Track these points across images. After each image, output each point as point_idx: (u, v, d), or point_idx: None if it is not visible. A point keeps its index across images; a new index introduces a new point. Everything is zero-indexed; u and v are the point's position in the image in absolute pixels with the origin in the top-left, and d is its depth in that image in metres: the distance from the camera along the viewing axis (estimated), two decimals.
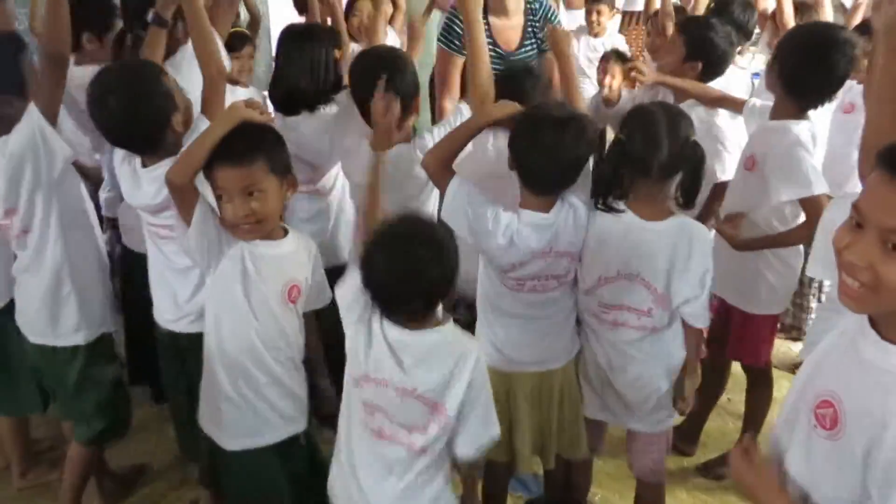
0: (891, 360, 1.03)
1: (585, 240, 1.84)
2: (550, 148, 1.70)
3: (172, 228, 1.84)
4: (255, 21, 3.79)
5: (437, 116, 3.40)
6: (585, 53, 4.37)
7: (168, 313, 2.02)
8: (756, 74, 3.34)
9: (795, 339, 3.24)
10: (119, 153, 1.95)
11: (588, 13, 4.38)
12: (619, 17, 5.78)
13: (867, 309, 1.08)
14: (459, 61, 2.76)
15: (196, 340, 1.84)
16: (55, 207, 1.99)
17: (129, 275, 2.58)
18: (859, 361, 1.07)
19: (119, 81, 1.80)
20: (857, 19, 3.39)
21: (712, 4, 2.96)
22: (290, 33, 2.55)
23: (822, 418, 1.10)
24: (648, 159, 1.73)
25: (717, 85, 2.62)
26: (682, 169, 1.77)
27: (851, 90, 2.72)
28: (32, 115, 1.92)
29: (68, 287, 2.04)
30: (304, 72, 2.42)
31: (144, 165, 1.86)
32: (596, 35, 4.39)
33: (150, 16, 2.15)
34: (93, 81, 1.80)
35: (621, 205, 1.81)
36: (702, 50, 2.54)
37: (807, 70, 2.10)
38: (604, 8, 4.36)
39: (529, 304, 1.88)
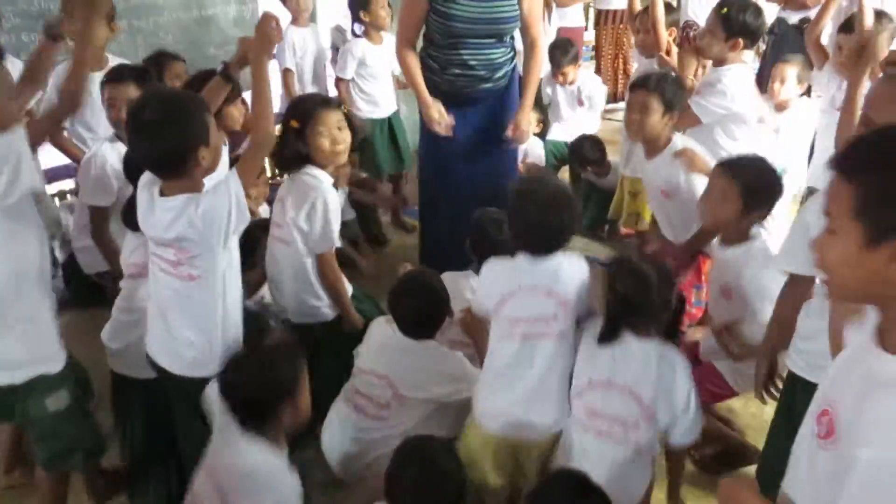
0: (887, 367, 1.02)
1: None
2: (543, 210, 1.95)
3: (174, 265, 1.88)
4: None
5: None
6: (563, 98, 4.61)
7: (160, 353, 2.00)
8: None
9: None
10: (142, 180, 1.95)
11: (554, 75, 4.52)
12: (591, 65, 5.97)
13: (840, 298, 1.17)
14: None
15: (185, 383, 1.93)
16: None
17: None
18: (862, 372, 1.07)
19: (161, 98, 1.87)
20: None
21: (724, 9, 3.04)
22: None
23: (822, 426, 1.10)
24: (640, 310, 1.89)
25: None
26: (666, 314, 1.95)
27: (841, 88, 2.85)
28: (17, 135, 1.84)
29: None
30: None
31: (163, 194, 1.88)
32: (571, 83, 4.56)
33: (220, 66, 2.19)
34: (139, 96, 1.86)
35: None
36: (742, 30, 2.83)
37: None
38: (568, 69, 4.49)
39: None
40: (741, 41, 2.87)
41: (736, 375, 2.30)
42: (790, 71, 3.55)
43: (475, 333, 2.42)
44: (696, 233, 2.64)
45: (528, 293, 2.01)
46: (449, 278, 2.62)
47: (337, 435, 2.28)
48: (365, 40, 3.98)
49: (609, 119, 6.32)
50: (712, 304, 2.46)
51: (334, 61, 5.15)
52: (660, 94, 2.64)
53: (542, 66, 3.10)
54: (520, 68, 3.25)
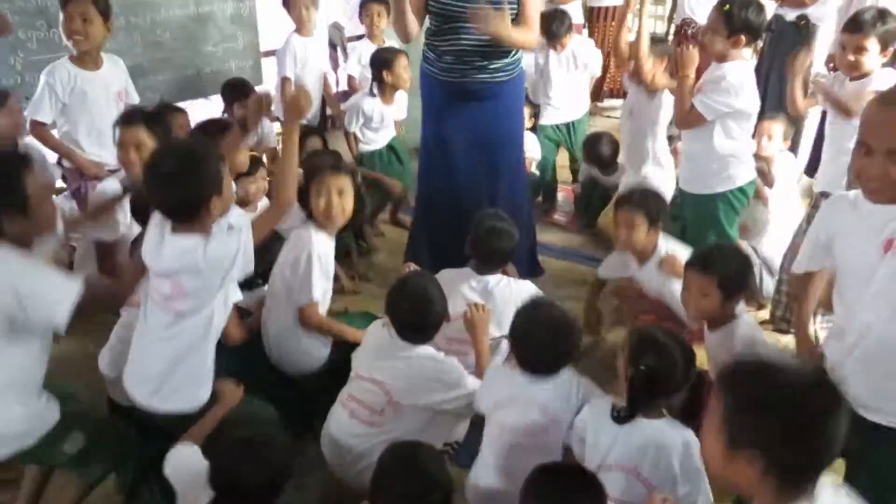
0: None
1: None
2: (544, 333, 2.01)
3: (166, 299, 1.93)
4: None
5: None
6: (556, 64, 4.51)
7: (139, 386, 2.03)
8: None
9: (784, 332, 3.22)
10: (155, 217, 2.00)
11: (553, 47, 4.45)
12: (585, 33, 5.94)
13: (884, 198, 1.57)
14: None
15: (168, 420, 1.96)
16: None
17: None
18: None
19: (178, 150, 1.97)
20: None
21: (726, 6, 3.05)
22: None
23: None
24: (664, 390, 1.91)
25: None
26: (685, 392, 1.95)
27: (844, 87, 2.86)
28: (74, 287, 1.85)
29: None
30: None
31: (173, 231, 1.94)
32: (563, 47, 4.50)
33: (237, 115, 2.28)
34: (158, 147, 1.97)
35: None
36: (744, 26, 2.85)
37: None
38: (566, 39, 4.43)
39: None
40: (743, 37, 2.88)
41: None
42: (776, 128, 3.71)
43: (476, 332, 2.44)
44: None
45: (522, 407, 2.02)
46: (447, 276, 2.63)
47: (333, 439, 2.29)
48: (378, 100, 4.03)
49: (608, 116, 6.35)
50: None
51: (332, 59, 5.18)
52: (644, 211, 2.74)
53: (525, 39, 2.94)
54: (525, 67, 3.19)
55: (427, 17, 3.02)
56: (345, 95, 5.18)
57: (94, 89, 3.12)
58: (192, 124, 3.74)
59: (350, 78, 4.79)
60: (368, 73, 4.11)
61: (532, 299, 2.21)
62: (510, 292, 2.61)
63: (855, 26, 2.84)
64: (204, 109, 4.66)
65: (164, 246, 1.91)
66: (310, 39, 4.26)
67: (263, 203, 3.45)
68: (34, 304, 1.81)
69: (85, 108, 3.11)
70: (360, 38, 5.33)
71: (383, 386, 2.22)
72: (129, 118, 2.80)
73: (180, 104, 4.37)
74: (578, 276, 3.69)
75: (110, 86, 3.19)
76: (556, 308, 2.09)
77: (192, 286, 1.92)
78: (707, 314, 2.40)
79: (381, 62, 3.98)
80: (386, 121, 4.09)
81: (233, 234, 1.93)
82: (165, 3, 4.13)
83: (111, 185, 2.83)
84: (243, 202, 3.10)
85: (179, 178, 1.87)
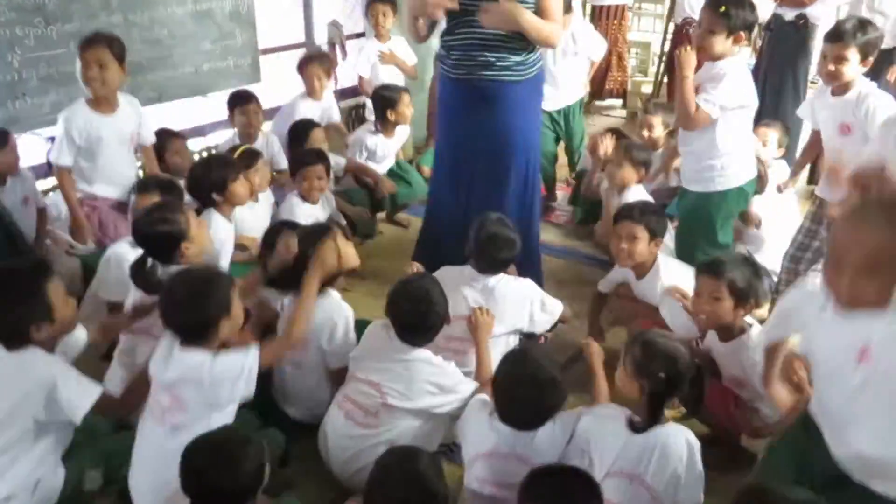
0: None
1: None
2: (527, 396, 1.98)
3: (164, 411, 1.98)
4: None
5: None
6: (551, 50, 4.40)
7: (144, 497, 2.03)
8: None
9: None
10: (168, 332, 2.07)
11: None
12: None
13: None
14: None
15: None
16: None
17: None
18: None
19: (191, 278, 2.05)
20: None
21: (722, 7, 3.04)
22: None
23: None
24: (677, 392, 1.98)
25: None
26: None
27: (844, 108, 2.88)
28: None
29: None
30: None
31: (182, 346, 2.00)
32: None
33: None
34: (175, 274, 2.10)
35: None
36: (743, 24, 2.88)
37: None
38: (566, 19, 4.23)
39: None
40: (743, 34, 2.89)
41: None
42: (772, 135, 3.79)
43: (479, 336, 2.44)
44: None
45: (503, 458, 2.00)
46: (447, 274, 2.62)
47: (329, 440, 2.29)
48: (381, 136, 4.10)
49: (607, 115, 6.35)
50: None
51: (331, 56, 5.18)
52: (645, 225, 2.76)
53: (543, 26, 2.85)
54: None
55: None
56: (353, 93, 5.21)
57: (108, 133, 3.16)
58: (192, 124, 3.78)
59: (360, 79, 4.81)
60: (371, 157, 4.13)
61: (516, 352, 2.15)
62: (510, 290, 2.61)
63: (835, 36, 2.88)
64: (201, 107, 4.67)
65: (171, 359, 1.98)
66: (318, 103, 4.27)
67: (266, 195, 3.49)
68: (58, 407, 1.98)
69: (99, 150, 3.17)
70: (359, 35, 5.34)
71: (379, 388, 2.22)
72: (144, 186, 2.97)
73: (178, 102, 4.41)
74: (578, 276, 3.69)
75: (124, 129, 3.23)
76: (540, 365, 2.03)
77: (191, 399, 1.95)
78: (719, 319, 2.41)
79: (386, 102, 4.08)
80: (388, 152, 4.18)
81: (239, 356, 2.01)
82: (164, 1, 4.11)
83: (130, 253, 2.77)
84: (251, 194, 3.20)
85: (189, 304, 1.98)
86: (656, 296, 2.78)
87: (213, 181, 2.92)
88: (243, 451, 1.74)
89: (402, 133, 4.33)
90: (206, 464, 1.71)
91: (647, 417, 1.94)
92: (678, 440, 1.90)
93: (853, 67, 2.85)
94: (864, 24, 2.89)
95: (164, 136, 3.60)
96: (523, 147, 3.09)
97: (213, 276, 2.09)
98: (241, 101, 3.90)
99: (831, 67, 2.87)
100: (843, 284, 1.51)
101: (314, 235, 2.43)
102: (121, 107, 3.21)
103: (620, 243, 2.80)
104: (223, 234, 2.90)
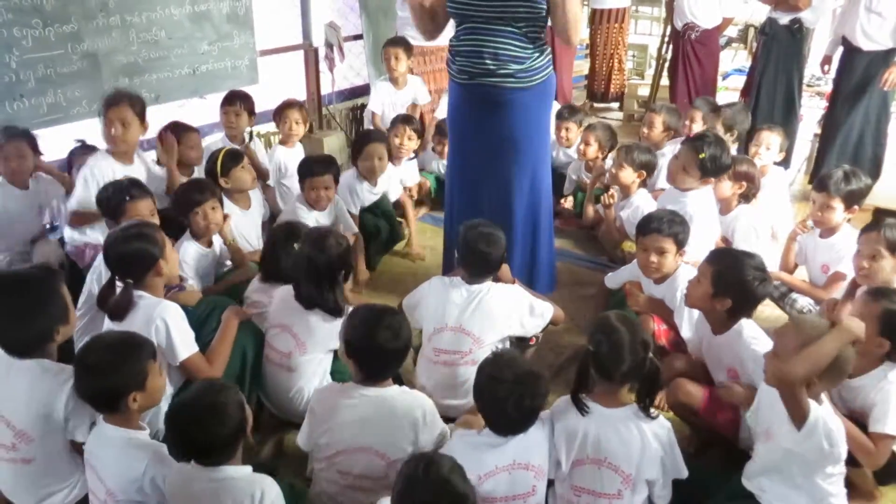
0: None
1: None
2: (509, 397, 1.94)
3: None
4: (263, 176, 3.96)
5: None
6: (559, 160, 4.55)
7: None
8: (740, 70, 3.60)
9: (781, 308, 3.29)
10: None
11: (557, 129, 4.46)
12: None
13: None
14: None
15: None
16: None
17: None
18: None
19: (105, 344, 1.99)
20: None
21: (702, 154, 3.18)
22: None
23: None
24: (613, 370, 1.99)
25: None
26: (638, 379, 2.01)
27: (829, 250, 3.08)
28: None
29: None
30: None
31: (105, 420, 1.98)
32: (568, 145, 4.54)
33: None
34: (90, 339, 2.04)
35: (589, 402, 2.02)
36: (716, 171, 3.17)
37: None
38: (572, 125, 4.47)
39: None
40: (713, 179, 3.19)
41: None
42: (774, 138, 3.83)
43: None
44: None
45: (506, 472, 1.96)
46: (437, 285, 2.64)
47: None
48: (367, 184, 3.84)
49: (603, 118, 6.36)
50: (718, 380, 2.50)
51: (328, 59, 5.19)
52: (673, 237, 2.77)
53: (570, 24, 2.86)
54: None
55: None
56: (351, 94, 5.19)
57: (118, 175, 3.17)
58: (192, 121, 3.79)
59: (374, 115, 4.78)
60: (355, 200, 3.86)
61: (488, 358, 2.08)
62: (498, 298, 2.59)
63: (820, 186, 3.09)
64: (199, 108, 4.68)
65: (101, 432, 1.97)
66: (294, 150, 4.14)
67: (258, 200, 3.52)
68: (64, 425, 2.04)
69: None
70: (357, 37, 5.36)
71: (373, 450, 2.08)
72: (135, 193, 2.93)
73: (175, 103, 4.41)
74: (577, 277, 3.71)
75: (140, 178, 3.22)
76: (515, 361, 2.01)
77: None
78: (696, 303, 2.47)
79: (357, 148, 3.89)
80: (376, 196, 3.93)
81: (157, 462, 1.90)
82: (161, 2, 4.11)
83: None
84: (242, 189, 3.34)
85: (98, 370, 1.91)
86: (674, 301, 2.78)
87: (186, 205, 2.94)
88: (223, 396, 1.82)
89: (386, 178, 3.98)
90: (190, 418, 1.78)
91: (574, 388, 2.02)
92: (636, 423, 1.98)
93: (839, 214, 3.07)
94: (848, 176, 3.07)
95: (179, 129, 3.56)
96: (530, 152, 3.08)
97: (128, 344, 1.98)
98: (224, 102, 3.93)
99: (818, 214, 3.10)
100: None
101: (317, 239, 2.49)
102: (136, 161, 3.26)
103: (650, 256, 2.78)
104: (192, 260, 2.91)
